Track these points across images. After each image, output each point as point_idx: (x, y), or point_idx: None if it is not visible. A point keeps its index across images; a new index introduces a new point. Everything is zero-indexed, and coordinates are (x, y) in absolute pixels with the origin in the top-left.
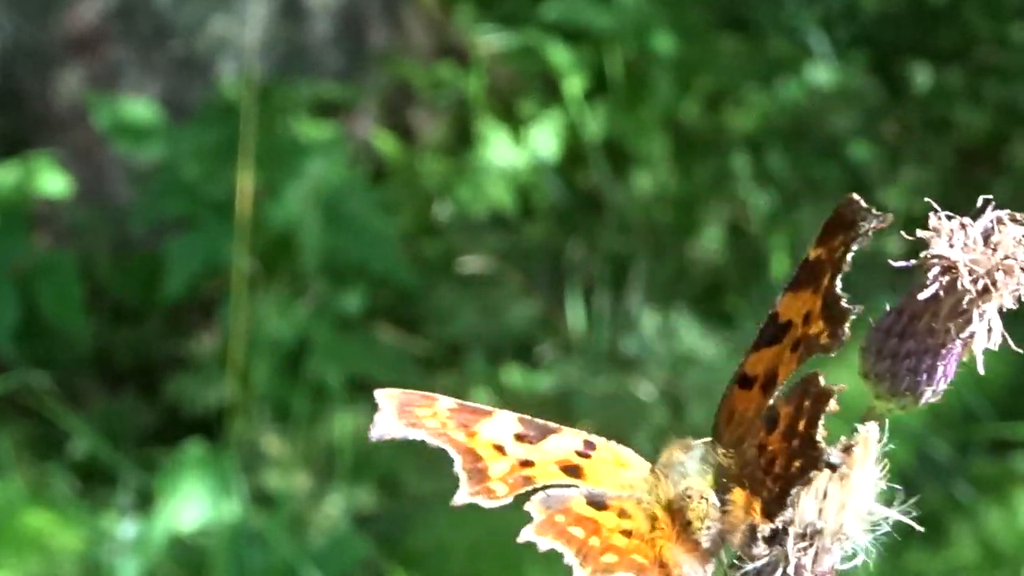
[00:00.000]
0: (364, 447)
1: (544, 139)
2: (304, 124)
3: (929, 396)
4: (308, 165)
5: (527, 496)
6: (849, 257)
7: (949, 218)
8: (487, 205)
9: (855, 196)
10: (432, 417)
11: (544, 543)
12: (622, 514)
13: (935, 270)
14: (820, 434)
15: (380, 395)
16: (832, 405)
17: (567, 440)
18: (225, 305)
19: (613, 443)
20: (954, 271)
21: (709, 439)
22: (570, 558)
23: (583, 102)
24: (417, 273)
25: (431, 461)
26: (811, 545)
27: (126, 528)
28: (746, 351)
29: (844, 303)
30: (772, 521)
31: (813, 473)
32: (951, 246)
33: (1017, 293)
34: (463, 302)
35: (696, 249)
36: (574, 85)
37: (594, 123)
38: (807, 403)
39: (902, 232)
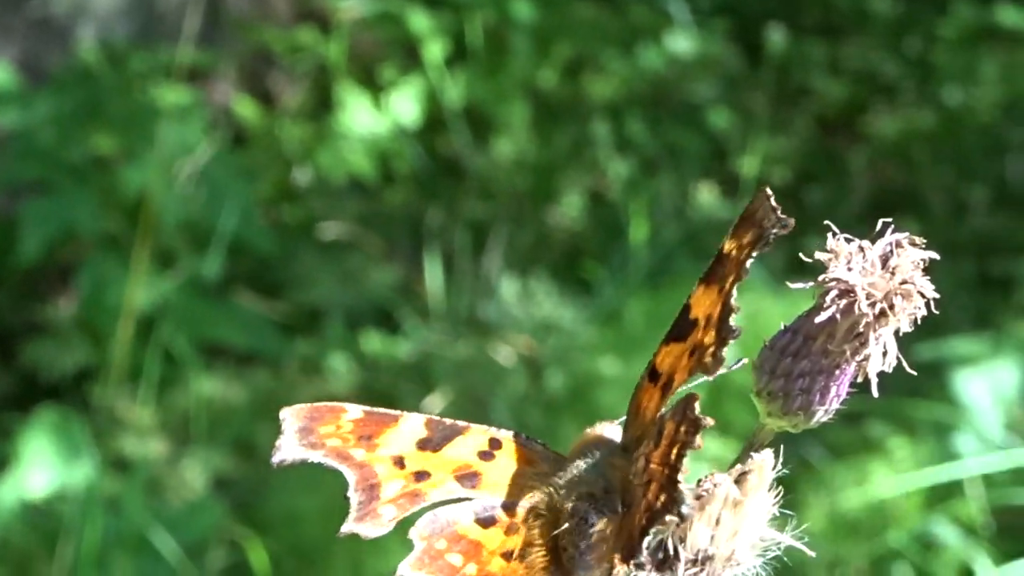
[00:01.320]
0: (220, 412)
1: (405, 105)
2: (162, 90)
3: (821, 416)
4: (166, 130)
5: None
6: (749, 263)
7: (848, 240)
8: (347, 171)
9: (768, 192)
10: (334, 434)
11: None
12: (509, 530)
13: (833, 293)
14: (681, 474)
15: (285, 414)
16: (698, 441)
17: (472, 440)
18: (82, 271)
19: (523, 438)
20: (852, 295)
21: (619, 428)
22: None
23: (443, 68)
24: (277, 239)
25: None
26: (701, 571)
27: None
28: (663, 339)
29: (732, 321)
30: (626, 564)
31: (668, 517)
32: (849, 269)
33: (914, 316)
34: (323, 268)
35: (556, 216)
36: (434, 51)
37: (454, 89)
38: (682, 428)
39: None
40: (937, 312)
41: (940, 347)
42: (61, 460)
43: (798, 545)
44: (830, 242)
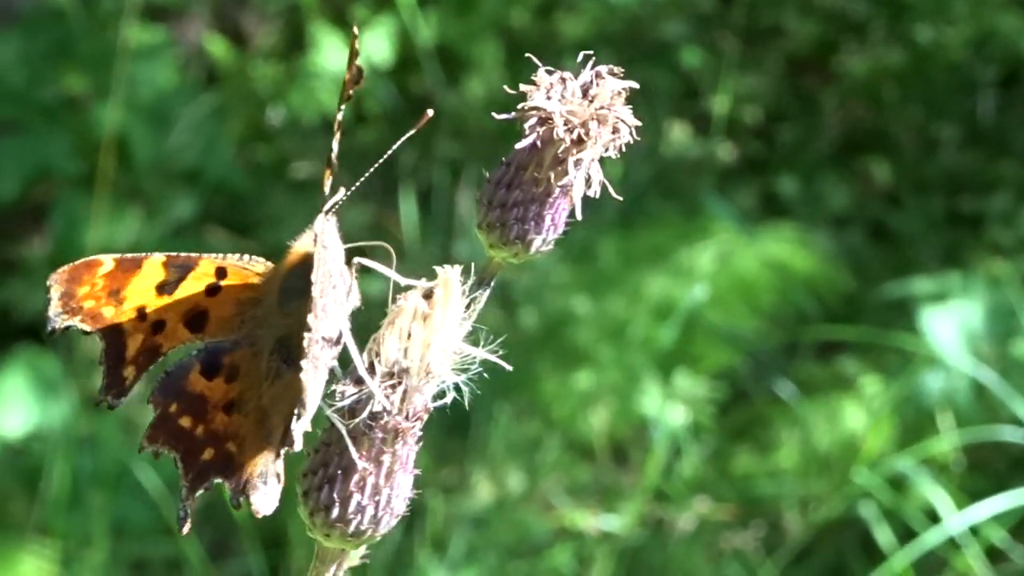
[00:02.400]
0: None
1: (377, 44)
2: (133, 29)
3: (540, 244)
4: (138, 69)
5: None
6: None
7: (550, 72)
8: (319, 110)
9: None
10: (90, 294)
11: (157, 450)
12: (231, 374)
13: (532, 120)
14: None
15: (51, 280)
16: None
17: (203, 274)
18: (54, 210)
19: (246, 261)
20: (550, 121)
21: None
22: (178, 467)
23: (415, 7)
24: (249, 178)
25: None
26: (399, 384)
27: None
28: None
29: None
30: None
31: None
32: (549, 98)
33: (613, 143)
34: (295, 207)
35: None
36: None
37: (426, 28)
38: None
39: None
40: (908, 250)
41: (909, 285)
42: (37, 399)
43: (492, 358)
44: (537, 75)
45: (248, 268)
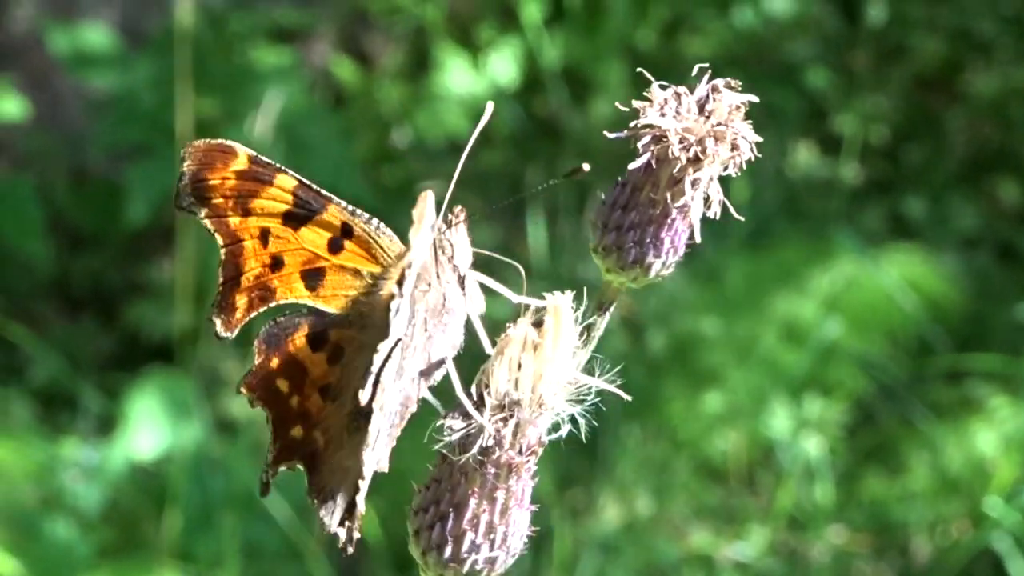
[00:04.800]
0: None
1: (502, 65)
2: (261, 51)
3: (659, 268)
4: (266, 92)
5: None
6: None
7: (664, 87)
8: (445, 131)
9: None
10: (220, 188)
11: (251, 401)
12: (334, 355)
13: (646, 139)
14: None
15: (185, 152)
16: None
17: (329, 222)
18: (184, 233)
19: (373, 225)
20: (664, 139)
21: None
22: (267, 430)
23: (541, 28)
24: (376, 199)
25: None
26: (511, 416)
27: (87, 454)
28: None
29: None
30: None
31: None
32: (663, 115)
33: (733, 160)
34: None
35: None
36: (532, 11)
37: (552, 49)
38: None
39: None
40: None
41: None
42: (168, 421)
43: (610, 388)
44: (650, 91)
45: (374, 238)
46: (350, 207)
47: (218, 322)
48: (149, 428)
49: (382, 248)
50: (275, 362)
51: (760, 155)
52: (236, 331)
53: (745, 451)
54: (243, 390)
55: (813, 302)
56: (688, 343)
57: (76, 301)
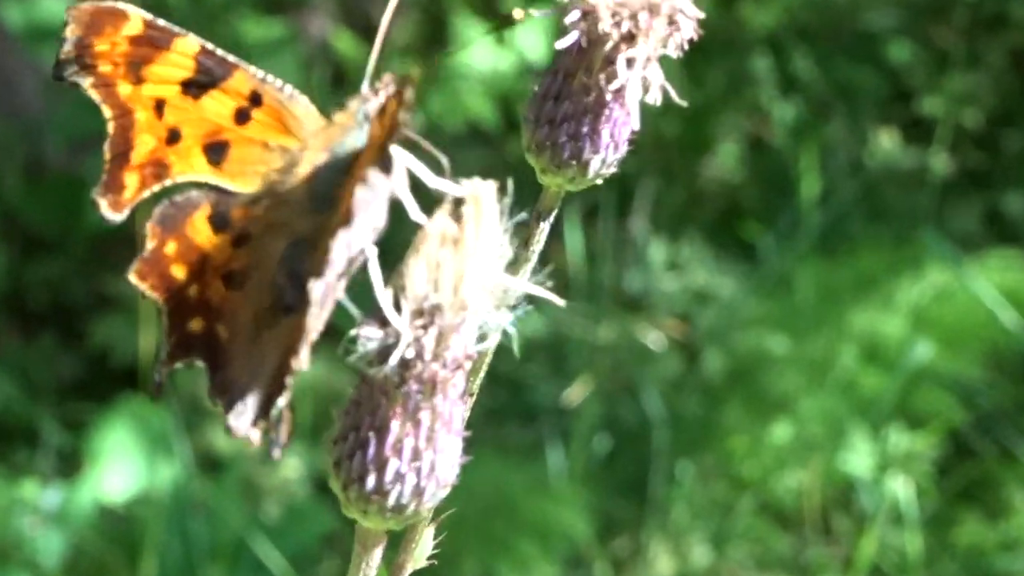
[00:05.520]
0: (326, 402)
1: (531, 39)
2: (249, 23)
3: (598, 166)
4: (255, 67)
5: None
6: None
7: None
8: (465, 116)
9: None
10: (109, 54)
11: (143, 289)
12: (240, 238)
13: (575, 15)
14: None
15: (70, 13)
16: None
17: (235, 91)
18: None
19: (287, 92)
20: (594, 15)
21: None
22: (162, 321)
23: None
24: None
25: None
26: (431, 323)
27: (48, 497)
28: None
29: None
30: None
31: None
32: None
33: (672, 38)
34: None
35: (710, 168)
36: None
37: None
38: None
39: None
40: None
41: None
42: (142, 457)
43: (542, 292)
44: None
45: (287, 106)
46: (261, 73)
47: (104, 203)
48: (120, 465)
49: (296, 118)
50: (171, 246)
51: (834, 142)
52: (126, 212)
53: (819, 491)
54: (133, 278)
55: (898, 317)
56: (751, 365)
57: (33, 316)
